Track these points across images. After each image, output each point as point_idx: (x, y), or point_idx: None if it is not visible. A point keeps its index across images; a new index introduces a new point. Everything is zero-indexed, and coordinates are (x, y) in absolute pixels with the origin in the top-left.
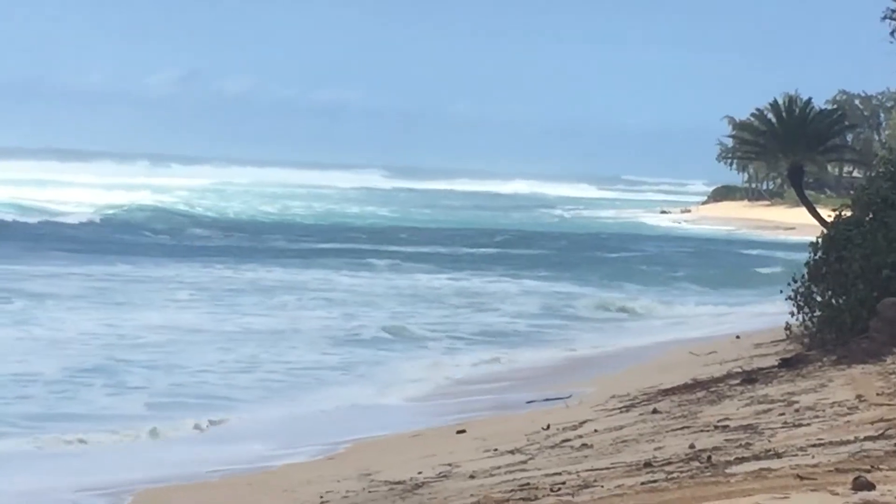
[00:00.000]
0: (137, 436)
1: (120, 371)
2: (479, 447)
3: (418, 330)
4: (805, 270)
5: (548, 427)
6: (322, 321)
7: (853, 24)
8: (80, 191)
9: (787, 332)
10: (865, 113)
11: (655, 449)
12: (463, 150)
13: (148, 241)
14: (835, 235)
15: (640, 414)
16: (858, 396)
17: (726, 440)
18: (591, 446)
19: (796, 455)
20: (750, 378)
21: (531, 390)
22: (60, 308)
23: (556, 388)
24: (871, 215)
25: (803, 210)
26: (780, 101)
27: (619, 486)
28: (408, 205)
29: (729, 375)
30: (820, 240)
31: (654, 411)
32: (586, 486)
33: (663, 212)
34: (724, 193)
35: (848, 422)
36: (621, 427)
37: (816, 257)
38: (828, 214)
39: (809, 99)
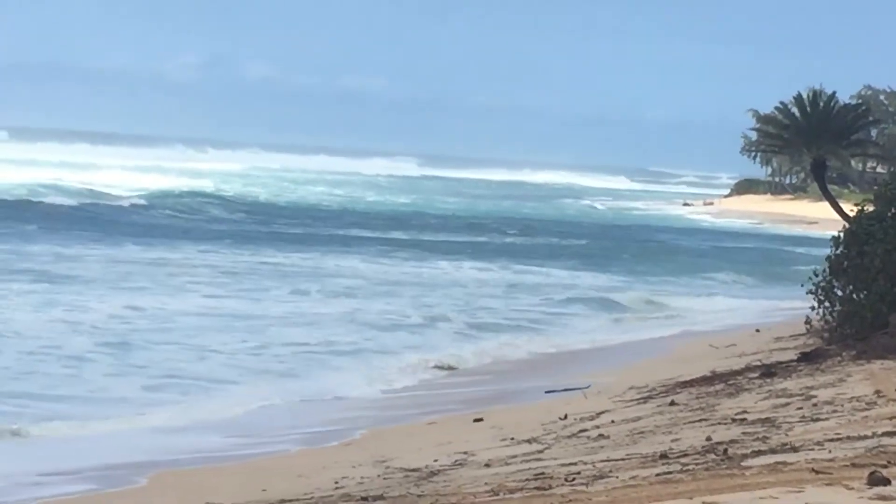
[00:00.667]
0: (142, 419)
1: (132, 352)
2: (495, 436)
3: (437, 316)
4: (826, 265)
5: (565, 417)
6: (346, 307)
7: (880, 19)
8: (118, 173)
9: (808, 326)
10: (890, 108)
11: (672, 441)
12: (486, 140)
13: (197, 226)
14: (856, 230)
15: (658, 405)
16: (877, 392)
17: (743, 433)
18: (608, 437)
19: (813, 449)
20: (769, 372)
21: (550, 379)
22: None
23: (575, 378)
24: (893, 211)
25: (826, 205)
26: (805, 95)
27: (633, 478)
28: (436, 193)
29: (748, 368)
30: (842, 234)
31: (672, 403)
32: (601, 477)
33: (686, 204)
34: (746, 187)
35: (866, 417)
36: (638, 418)
37: (838, 252)
38: (850, 209)
39: (834, 93)
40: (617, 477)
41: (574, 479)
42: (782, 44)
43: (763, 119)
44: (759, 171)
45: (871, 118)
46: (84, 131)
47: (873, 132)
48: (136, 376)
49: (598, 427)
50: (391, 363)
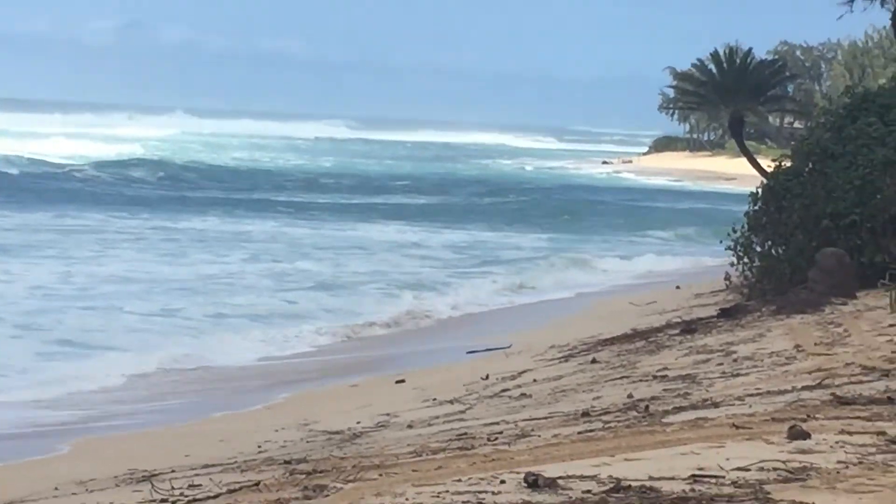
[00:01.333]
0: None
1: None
2: (417, 397)
3: (354, 279)
4: (745, 221)
5: (487, 377)
6: (263, 271)
7: None
8: (50, 141)
9: (727, 282)
10: (807, 64)
11: (594, 399)
12: (409, 100)
13: (140, 193)
14: (775, 186)
15: (579, 364)
16: (796, 346)
17: (664, 390)
18: (530, 396)
19: (733, 405)
20: (689, 328)
21: (470, 340)
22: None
23: (496, 338)
24: (811, 166)
25: (744, 160)
26: (721, 52)
27: (555, 436)
28: (366, 156)
29: (668, 325)
30: (760, 190)
31: (594, 361)
32: (523, 436)
33: (605, 162)
34: (665, 144)
35: (785, 371)
36: (560, 377)
37: (756, 208)
38: (768, 165)
39: (750, 49)
40: (539, 436)
41: (496, 438)
42: (699, 1)
43: (680, 76)
44: (678, 129)
45: (787, 74)
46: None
47: (790, 88)
48: (47, 343)
49: (519, 386)
50: (308, 326)
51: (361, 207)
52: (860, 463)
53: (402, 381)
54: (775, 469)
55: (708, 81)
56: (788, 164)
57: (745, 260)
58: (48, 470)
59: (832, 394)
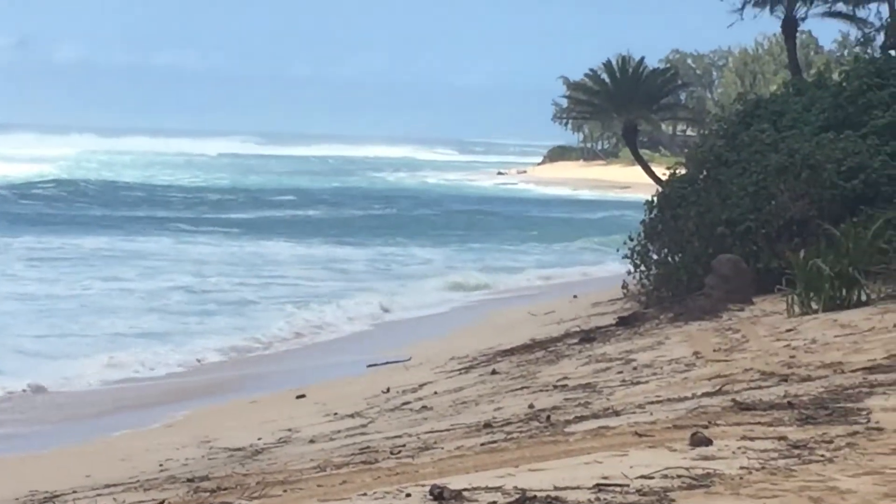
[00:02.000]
0: None
1: None
2: (318, 411)
3: (249, 295)
4: (641, 229)
5: (387, 390)
6: (154, 287)
7: None
8: None
9: (625, 290)
10: (698, 71)
11: (495, 410)
12: (304, 113)
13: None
14: (670, 193)
15: (480, 375)
16: (695, 353)
17: (565, 399)
18: (431, 408)
19: (634, 412)
20: (588, 337)
21: (369, 353)
22: None
23: (395, 351)
24: (704, 173)
25: (638, 169)
26: (614, 61)
27: (458, 448)
28: (274, 172)
29: (567, 335)
30: (655, 198)
31: (494, 372)
32: (426, 449)
33: (500, 173)
34: (559, 154)
35: (685, 378)
36: (461, 388)
37: (652, 215)
38: (662, 173)
39: (642, 58)
40: (442, 448)
41: (400, 451)
42: (591, 9)
43: (573, 86)
44: (573, 138)
45: (679, 82)
46: None
47: (682, 95)
48: None
49: (420, 399)
50: (204, 342)
51: (258, 223)
52: (763, 468)
53: (303, 395)
54: (679, 476)
55: (601, 91)
56: (683, 171)
57: (642, 268)
58: None
59: (732, 400)
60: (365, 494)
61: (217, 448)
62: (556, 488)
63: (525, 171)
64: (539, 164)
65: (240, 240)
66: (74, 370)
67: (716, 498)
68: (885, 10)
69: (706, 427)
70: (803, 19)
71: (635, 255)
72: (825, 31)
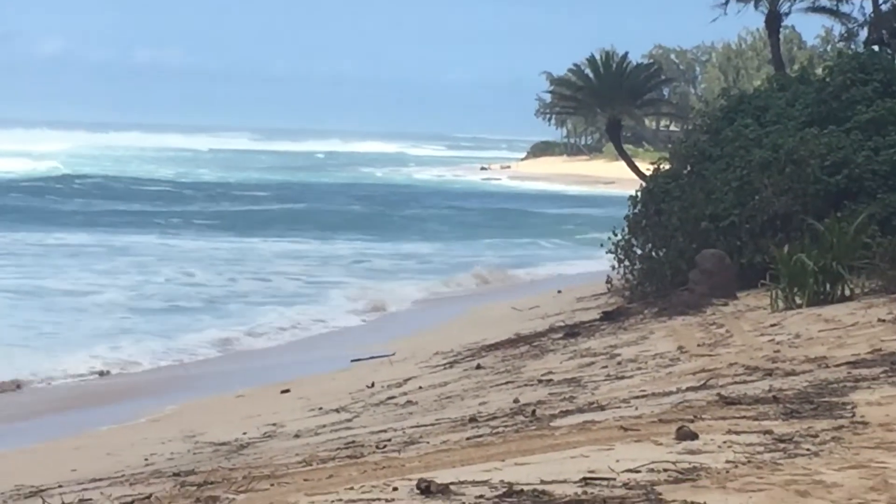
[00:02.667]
0: None
1: None
2: (303, 406)
3: (233, 290)
4: (625, 224)
5: (372, 385)
6: (131, 283)
7: None
8: None
9: (609, 285)
10: (681, 67)
11: (480, 404)
12: (290, 109)
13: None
14: (653, 189)
15: (465, 370)
16: (679, 348)
17: (550, 394)
18: (416, 403)
19: (620, 407)
20: (572, 332)
21: (350, 349)
22: None
23: (379, 346)
24: (688, 168)
25: (622, 164)
26: (598, 57)
27: (444, 442)
28: (264, 169)
29: (551, 330)
30: (639, 193)
31: (478, 367)
32: (412, 443)
33: (483, 168)
34: (542, 149)
35: (670, 373)
36: (445, 383)
37: (636, 211)
38: (646, 168)
39: (626, 54)
40: (428, 442)
41: (385, 445)
42: (573, 5)
43: (556, 81)
44: (556, 133)
45: (662, 77)
46: None
47: (665, 91)
48: None
49: (405, 393)
50: (188, 337)
51: (247, 217)
52: (749, 462)
53: (287, 390)
54: (665, 470)
55: (585, 86)
56: (667, 166)
57: (626, 263)
58: None
59: (717, 394)
60: (352, 488)
61: (202, 442)
62: (542, 482)
63: (509, 167)
64: (522, 159)
65: (227, 235)
66: (59, 364)
67: (702, 491)
68: (868, 5)
69: (692, 421)
70: (787, 14)
71: (619, 251)
72: (809, 27)
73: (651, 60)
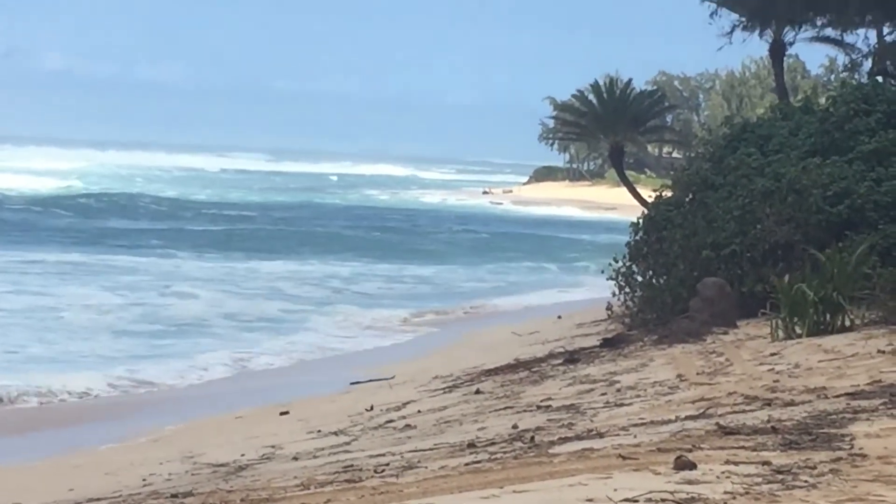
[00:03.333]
0: None
1: None
2: (302, 428)
3: (224, 311)
4: (626, 251)
5: (371, 408)
6: (132, 302)
7: (674, 6)
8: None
9: (609, 312)
10: (685, 94)
11: (479, 429)
12: (293, 129)
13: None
14: (655, 216)
15: (464, 394)
16: (679, 376)
17: (549, 420)
18: (415, 427)
19: (618, 435)
20: (572, 358)
21: (351, 372)
22: None
23: (378, 370)
24: (690, 196)
25: (624, 190)
26: (601, 83)
27: (442, 467)
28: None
29: (551, 355)
30: (641, 220)
31: (478, 392)
32: (410, 468)
33: (485, 192)
34: (545, 174)
35: (669, 401)
36: (444, 408)
37: (637, 237)
38: (648, 195)
39: (630, 80)
40: (426, 467)
41: (383, 470)
42: (580, 30)
43: (560, 107)
44: (559, 158)
45: (666, 104)
46: None
47: (669, 118)
48: None
49: (404, 417)
50: (191, 359)
51: (258, 237)
52: (747, 493)
53: (286, 412)
54: (663, 500)
55: (588, 112)
56: (669, 194)
57: (627, 290)
58: None
59: (716, 423)
60: None
61: (201, 463)
62: None
63: (511, 191)
64: (525, 183)
65: (234, 256)
66: (62, 382)
67: None
68: (872, 35)
69: (690, 451)
70: (791, 44)
71: (620, 277)
72: (813, 56)
73: (655, 87)
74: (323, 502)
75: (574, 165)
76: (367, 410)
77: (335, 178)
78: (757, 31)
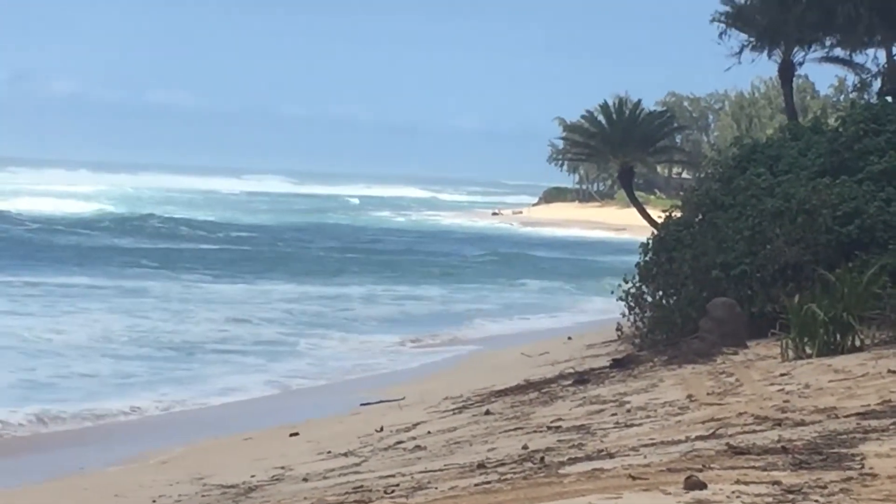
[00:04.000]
0: None
1: None
2: (312, 449)
3: (228, 334)
4: (636, 271)
5: (381, 429)
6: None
7: (682, 27)
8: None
9: (619, 332)
10: (694, 114)
11: (489, 450)
12: (301, 152)
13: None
14: (665, 236)
15: (473, 415)
16: (689, 396)
17: (559, 441)
18: (425, 448)
19: (628, 455)
20: (582, 379)
21: (361, 393)
22: None
23: (388, 391)
24: (700, 216)
25: (634, 211)
26: (611, 103)
27: (452, 488)
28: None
29: (561, 376)
30: (650, 241)
31: (487, 412)
32: (420, 488)
33: (495, 213)
34: (555, 195)
35: (679, 421)
36: (454, 428)
37: (647, 258)
38: (657, 215)
39: (639, 101)
40: (436, 488)
41: (393, 491)
42: (588, 53)
43: (569, 128)
44: (568, 179)
45: (675, 125)
46: None
47: (678, 138)
48: None
49: (414, 438)
50: (203, 381)
51: (272, 260)
52: None
53: (296, 433)
54: None
55: (598, 133)
56: (678, 214)
57: (637, 310)
58: None
59: (726, 444)
60: None
61: (210, 485)
62: None
63: (521, 212)
64: (534, 204)
65: (245, 277)
66: (67, 405)
67: None
68: (882, 55)
69: (700, 471)
70: (801, 64)
71: (630, 298)
72: (822, 76)
73: (664, 108)
74: None
75: (584, 186)
76: (377, 431)
77: (356, 200)
78: (766, 52)
